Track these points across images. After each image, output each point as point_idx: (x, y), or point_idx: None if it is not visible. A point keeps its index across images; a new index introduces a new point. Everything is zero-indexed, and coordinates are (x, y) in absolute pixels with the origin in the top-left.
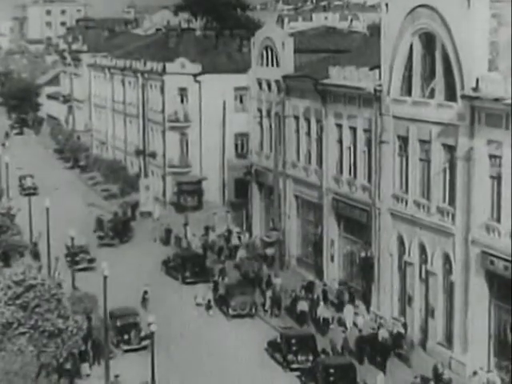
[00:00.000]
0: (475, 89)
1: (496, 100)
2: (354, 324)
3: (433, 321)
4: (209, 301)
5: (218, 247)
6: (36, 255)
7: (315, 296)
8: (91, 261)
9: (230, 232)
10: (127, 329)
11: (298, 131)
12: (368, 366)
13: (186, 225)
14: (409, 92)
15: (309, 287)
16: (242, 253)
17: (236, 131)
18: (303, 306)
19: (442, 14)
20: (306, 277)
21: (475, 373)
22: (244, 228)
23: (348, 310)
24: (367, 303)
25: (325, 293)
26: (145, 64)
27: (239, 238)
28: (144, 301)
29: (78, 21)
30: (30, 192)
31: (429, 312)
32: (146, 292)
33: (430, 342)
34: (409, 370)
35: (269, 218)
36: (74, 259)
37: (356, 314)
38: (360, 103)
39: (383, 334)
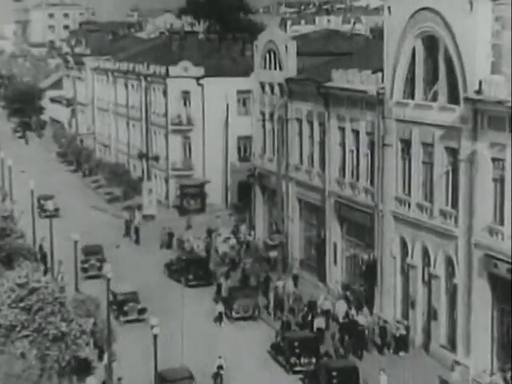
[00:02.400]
0: (478, 91)
1: (499, 103)
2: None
3: (436, 323)
4: (220, 313)
5: (229, 258)
6: (42, 258)
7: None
8: (142, 311)
9: (238, 229)
10: None
11: (300, 134)
12: (370, 367)
13: (188, 227)
14: (411, 95)
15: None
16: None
17: (239, 134)
18: (320, 322)
19: (445, 17)
20: (309, 279)
21: (457, 362)
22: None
23: (340, 304)
24: (370, 306)
25: (346, 296)
26: (148, 67)
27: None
28: (217, 376)
29: (81, 24)
30: (50, 214)
31: (432, 315)
32: (220, 367)
33: (433, 344)
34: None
35: (272, 221)
36: (121, 308)
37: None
38: (363, 106)
39: (361, 320)
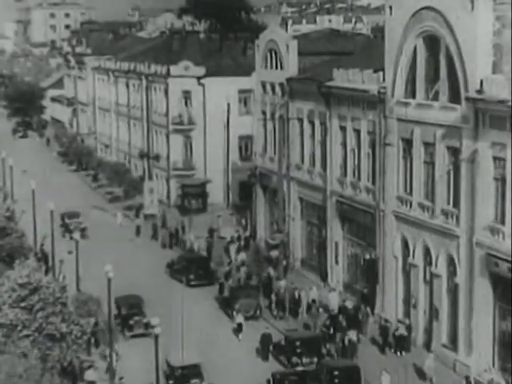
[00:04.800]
0: (479, 91)
1: (500, 102)
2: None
3: (437, 323)
4: (239, 324)
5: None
6: (43, 258)
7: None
8: None
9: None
10: None
11: (301, 134)
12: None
13: (183, 227)
14: (413, 94)
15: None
16: (242, 256)
17: (240, 134)
18: (352, 335)
19: (446, 17)
20: (310, 279)
21: (431, 351)
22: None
23: (332, 296)
24: (371, 305)
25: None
26: (149, 67)
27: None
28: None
29: (82, 24)
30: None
31: (433, 314)
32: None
33: (435, 343)
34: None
35: (273, 221)
36: None
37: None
38: (364, 105)
39: (349, 304)
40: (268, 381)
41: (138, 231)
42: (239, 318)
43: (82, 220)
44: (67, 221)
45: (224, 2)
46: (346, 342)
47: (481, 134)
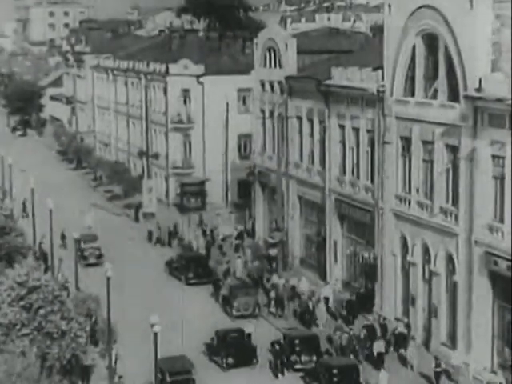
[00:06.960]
0: (478, 89)
1: (499, 100)
2: None
3: (436, 321)
4: (249, 334)
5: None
6: (42, 257)
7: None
8: None
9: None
10: None
11: (300, 132)
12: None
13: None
14: (412, 93)
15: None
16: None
17: (239, 132)
18: (380, 346)
19: (445, 15)
20: (309, 277)
21: (413, 338)
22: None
23: (326, 289)
24: (370, 303)
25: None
26: (148, 65)
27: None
28: None
29: (81, 22)
30: (92, 262)
31: (432, 312)
32: None
33: (434, 342)
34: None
35: (272, 219)
36: None
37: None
38: (363, 104)
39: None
40: (212, 338)
41: (150, 237)
42: (250, 328)
43: (99, 244)
44: (83, 245)
45: (223, 0)
46: (375, 353)
47: (480, 133)
